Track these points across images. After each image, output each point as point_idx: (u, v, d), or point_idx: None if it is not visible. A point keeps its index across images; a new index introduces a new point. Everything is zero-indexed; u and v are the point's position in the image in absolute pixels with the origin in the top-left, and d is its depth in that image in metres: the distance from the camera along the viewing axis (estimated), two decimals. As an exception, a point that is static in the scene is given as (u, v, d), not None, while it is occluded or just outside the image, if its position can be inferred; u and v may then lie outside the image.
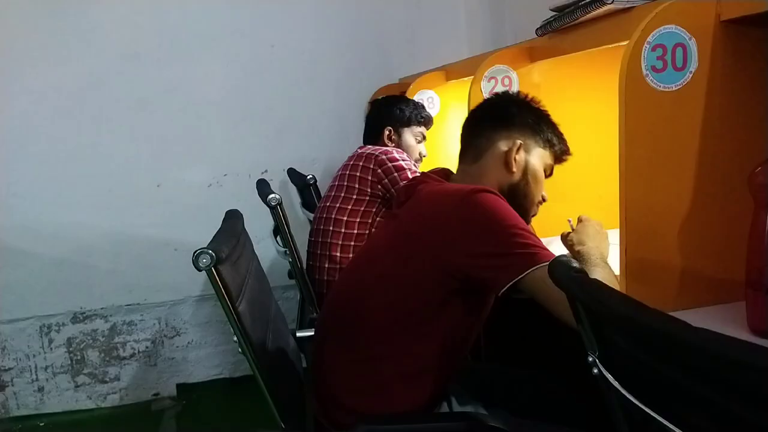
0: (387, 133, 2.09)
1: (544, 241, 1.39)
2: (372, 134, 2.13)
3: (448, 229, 1.07)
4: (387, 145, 2.07)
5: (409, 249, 1.12)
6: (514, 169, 1.21)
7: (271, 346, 1.17)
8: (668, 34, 0.99)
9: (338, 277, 1.63)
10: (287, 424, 1.08)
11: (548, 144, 1.25)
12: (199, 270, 0.92)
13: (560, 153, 1.28)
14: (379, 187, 1.90)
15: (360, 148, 2.05)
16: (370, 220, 1.92)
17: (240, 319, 0.99)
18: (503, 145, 1.22)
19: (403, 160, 1.91)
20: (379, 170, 1.89)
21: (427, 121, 2.15)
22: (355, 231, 1.91)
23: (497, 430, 1.05)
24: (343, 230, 1.92)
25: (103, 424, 2.54)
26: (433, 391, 1.15)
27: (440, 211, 1.11)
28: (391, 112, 2.10)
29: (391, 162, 1.89)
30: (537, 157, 1.24)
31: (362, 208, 1.92)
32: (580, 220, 1.25)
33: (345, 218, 1.92)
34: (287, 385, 1.20)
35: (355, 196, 1.93)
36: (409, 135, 2.12)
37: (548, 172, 1.28)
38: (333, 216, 1.94)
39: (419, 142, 2.14)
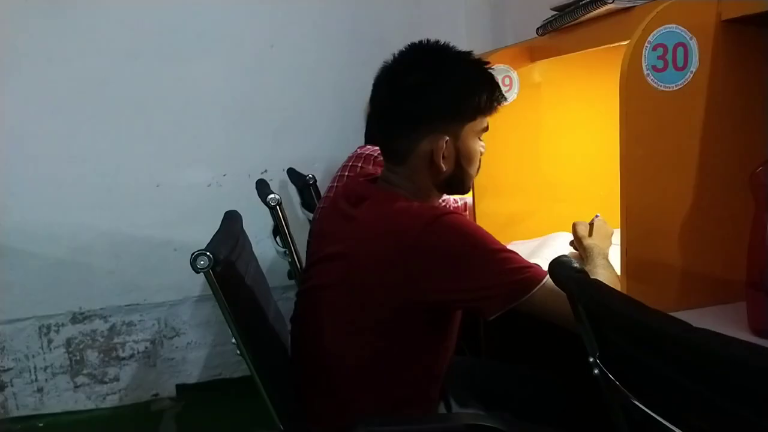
0: (389, 131, 2.08)
1: (543, 238, 1.38)
2: (373, 133, 2.13)
3: (413, 264, 0.99)
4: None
5: (365, 288, 1.04)
6: (444, 168, 1.09)
7: (270, 346, 1.17)
8: (669, 33, 0.99)
9: (296, 304, 1.29)
10: (285, 425, 1.08)
11: (476, 111, 1.10)
12: (197, 272, 0.92)
13: (491, 109, 1.11)
14: (378, 188, 1.89)
15: (360, 148, 2.04)
16: (369, 221, 1.92)
17: (238, 321, 0.99)
18: (427, 145, 1.08)
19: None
20: (377, 172, 1.89)
21: None
22: (355, 231, 1.91)
23: (497, 431, 1.04)
24: (342, 230, 1.91)
25: (103, 425, 2.54)
26: (421, 409, 1.13)
27: (399, 243, 1.00)
28: None
29: None
30: (468, 136, 1.10)
31: (361, 209, 1.92)
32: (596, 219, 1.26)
33: (344, 219, 1.91)
34: (286, 386, 1.20)
35: (354, 197, 1.92)
36: None
37: (483, 132, 1.14)
38: (332, 216, 1.93)
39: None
